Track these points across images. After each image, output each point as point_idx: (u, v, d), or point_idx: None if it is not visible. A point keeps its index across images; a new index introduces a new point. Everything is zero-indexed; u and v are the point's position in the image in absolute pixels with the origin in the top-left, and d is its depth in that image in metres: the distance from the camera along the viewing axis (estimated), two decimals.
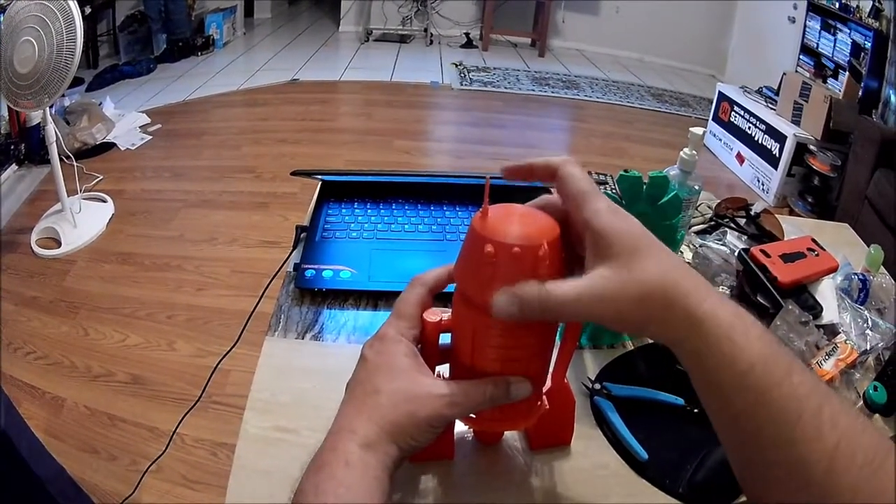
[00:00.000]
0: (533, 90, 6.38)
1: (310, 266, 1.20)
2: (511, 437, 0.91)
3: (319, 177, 1.44)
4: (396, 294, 0.90)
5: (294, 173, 1.35)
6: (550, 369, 0.79)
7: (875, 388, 1.00)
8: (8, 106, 3.55)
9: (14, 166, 3.90)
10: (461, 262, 0.69)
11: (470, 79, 6.50)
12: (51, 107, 2.99)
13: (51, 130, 3.05)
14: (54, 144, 3.08)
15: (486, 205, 0.67)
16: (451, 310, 0.74)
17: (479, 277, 0.65)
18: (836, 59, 4.42)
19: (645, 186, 0.93)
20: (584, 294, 0.61)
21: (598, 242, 0.62)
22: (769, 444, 0.57)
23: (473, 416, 0.75)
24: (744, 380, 0.57)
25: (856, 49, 4.18)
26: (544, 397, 0.79)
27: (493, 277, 0.64)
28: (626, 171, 0.92)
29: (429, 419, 0.67)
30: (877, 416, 1.05)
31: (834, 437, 0.54)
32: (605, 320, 0.62)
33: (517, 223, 0.65)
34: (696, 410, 0.95)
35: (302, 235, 1.31)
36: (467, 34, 7.86)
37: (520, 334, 0.69)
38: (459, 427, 0.87)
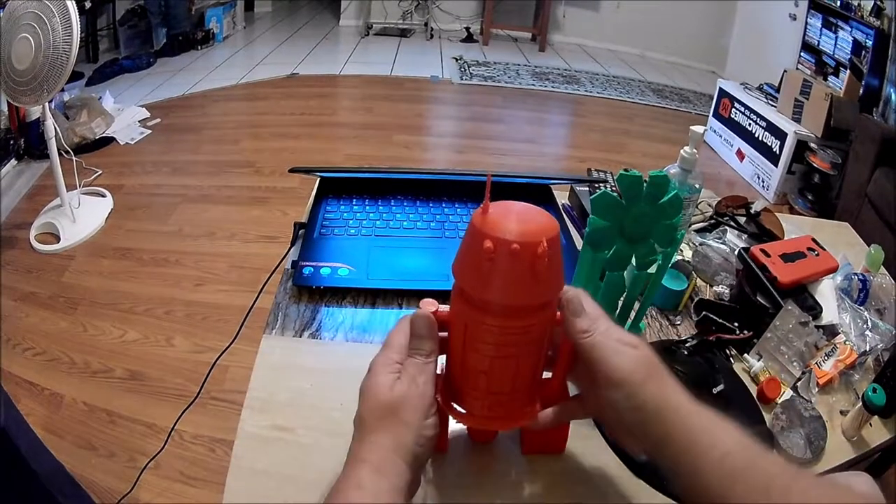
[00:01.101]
0: (533, 85, 6.37)
1: (308, 263, 1.20)
2: (509, 438, 0.91)
3: (318, 173, 1.44)
4: (395, 292, 0.89)
5: (292, 170, 1.34)
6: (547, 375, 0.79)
7: (874, 391, 1.00)
8: (7, 101, 3.54)
9: (13, 161, 3.90)
10: (460, 257, 0.70)
11: (470, 73, 6.49)
12: (50, 102, 2.98)
13: (50, 126, 3.04)
14: (53, 139, 3.07)
15: (487, 201, 0.68)
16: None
17: (477, 273, 0.66)
18: (837, 56, 4.41)
19: (645, 185, 0.92)
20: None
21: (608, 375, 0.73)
22: None
23: (464, 412, 0.76)
24: (720, 465, 0.66)
25: (857, 47, 4.17)
26: (538, 404, 0.80)
27: (492, 273, 0.65)
28: (626, 170, 0.91)
29: (411, 418, 0.72)
30: (876, 417, 1.05)
31: None
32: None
33: (517, 220, 0.66)
34: None
35: (300, 232, 1.31)
36: (468, 28, 7.86)
37: (511, 334, 0.70)
38: (454, 427, 0.87)
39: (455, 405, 0.77)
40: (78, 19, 2.78)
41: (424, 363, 0.75)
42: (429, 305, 0.77)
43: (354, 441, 0.72)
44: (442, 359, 0.79)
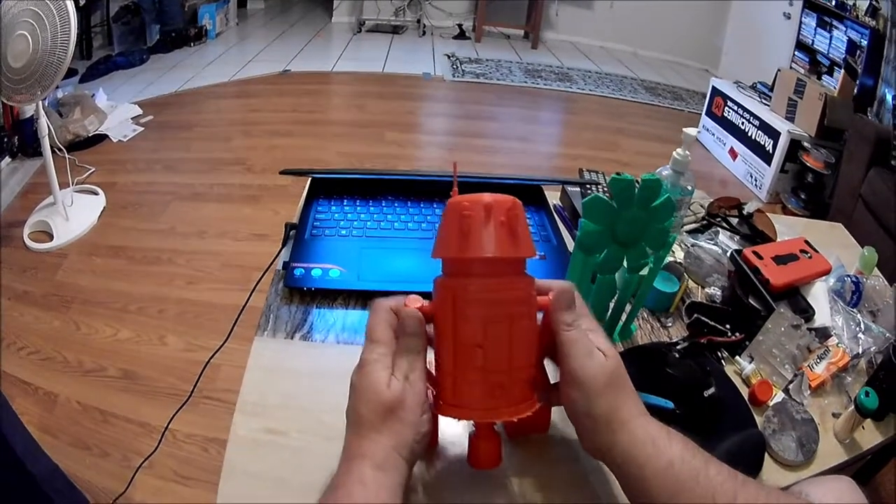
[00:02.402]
0: (525, 82, 6.36)
1: (299, 264, 1.20)
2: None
3: (309, 174, 1.44)
4: (386, 294, 0.89)
5: (283, 172, 1.34)
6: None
7: (867, 394, 1.00)
8: (1, 101, 3.53)
9: (7, 159, 3.88)
10: (440, 237, 0.76)
11: (462, 70, 6.48)
12: (43, 100, 2.96)
13: (43, 124, 3.02)
14: (46, 138, 3.06)
15: (456, 184, 0.82)
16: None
17: (457, 235, 0.72)
18: (831, 56, 4.41)
19: (637, 189, 0.92)
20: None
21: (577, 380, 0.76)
22: None
23: (459, 408, 0.76)
24: (665, 474, 0.69)
25: (851, 47, 4.17)
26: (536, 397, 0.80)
27: (470, 231, 0.72)
28: (618, 174, 0.91)
29: (410, 416, 0.74)
30: (868, 420, 1.05)
31: None
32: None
33: (485, 196, 0.73)
34: (684, 413, 0.95)
35: (291, 233, 1.31)
36: (460, 25, 7.86)
37: (498, 291, 0.73)
38: (452, 430, 0.87)
39: (453, 408, 0.77)
40: (76, 16, 2.77)
41: (416, 360, 0.76)
42: (414, 302, 0.78)
43: (352, 436, 0.73)
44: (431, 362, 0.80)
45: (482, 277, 0.73)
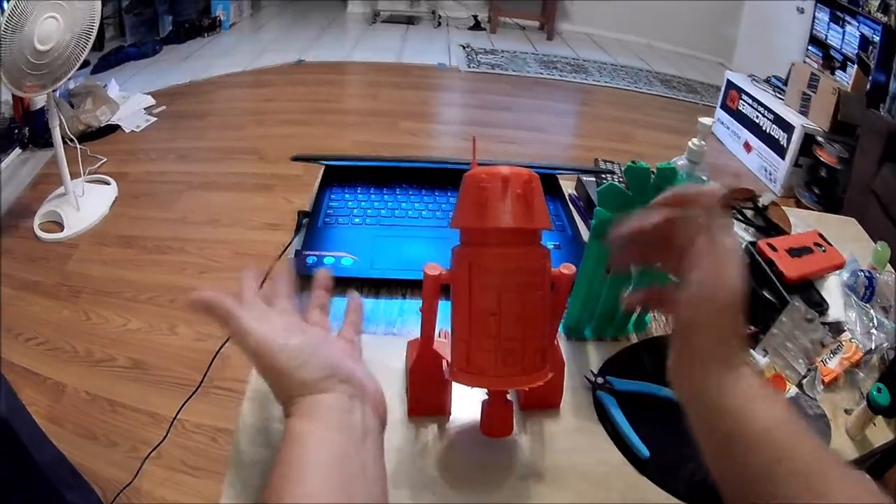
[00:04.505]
0: (541, 73, 6.36)
1: (311, 252, 1.19)
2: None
3: (321, 161, 1.43)
4: (399, 282, 0.88)
5: (295, 158, 1.33)
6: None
7: (879, 390, 0.99)
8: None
9: (18, 150, 3.89)
10: (458, 207, 0.77)
11: (477, 61, 6.48)
12: (55, 91, 2.96)
13: (53, 114, 3.03)
14: (57, 128, 3.06)
15: (475, 159, 0.82)
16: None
17: (475, 206, 0.74)
18: (844, 51, 4.38)
19: (652, 177, 0.91)
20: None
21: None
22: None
23: (473, 375, 0.76)
24: (763, 438, 0.61)
25: (864, 42, 4.14)
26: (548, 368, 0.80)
27: (488, 201, 0.73)
28: (633, 162, 0.91)
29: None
30: (880, 417, 1.03)
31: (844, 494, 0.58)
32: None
33: (503, 168, 0.74)
34: None
35: (304, 221, 1.30)
36: (475, 16, 7.85)
37: (512, 260, 0.74)
38: (464, 420, 0.86)
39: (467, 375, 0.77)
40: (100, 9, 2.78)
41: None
42: (433, 270, 0.79)
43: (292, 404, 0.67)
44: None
45: (498, 247, 0.74)
